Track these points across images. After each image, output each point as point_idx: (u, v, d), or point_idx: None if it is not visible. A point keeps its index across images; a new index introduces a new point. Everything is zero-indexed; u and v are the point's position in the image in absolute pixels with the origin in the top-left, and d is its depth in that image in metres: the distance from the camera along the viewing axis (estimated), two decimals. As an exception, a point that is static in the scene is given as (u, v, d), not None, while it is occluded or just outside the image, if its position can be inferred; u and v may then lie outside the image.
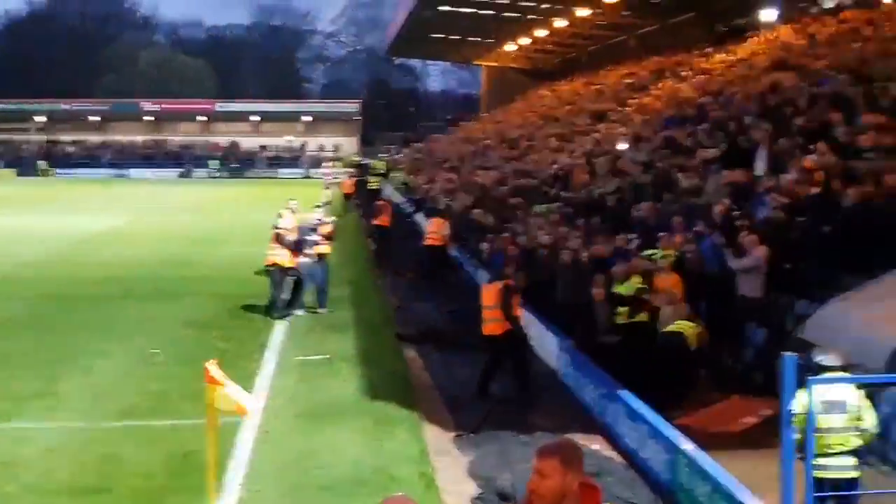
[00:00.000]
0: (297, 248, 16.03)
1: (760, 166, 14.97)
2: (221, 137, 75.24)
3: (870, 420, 6.48)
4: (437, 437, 9.74)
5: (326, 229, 17.24)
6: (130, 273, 20.82)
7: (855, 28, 22.33)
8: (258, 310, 16.07)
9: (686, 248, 12.85)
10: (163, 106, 76.88)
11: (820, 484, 6.31)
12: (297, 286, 16.19)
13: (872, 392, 6.92)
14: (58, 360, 12.69)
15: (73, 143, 74.84)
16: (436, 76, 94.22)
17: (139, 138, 75.59)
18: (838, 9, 26.19)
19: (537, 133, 36.16)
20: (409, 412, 10.50)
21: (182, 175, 67.85)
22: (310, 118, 76.86)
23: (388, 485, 8.03)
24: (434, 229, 20.93)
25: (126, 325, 15.11)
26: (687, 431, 8.22)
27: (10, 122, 73.76)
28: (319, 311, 16.32)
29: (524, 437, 9.42)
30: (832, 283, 11.24)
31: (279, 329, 15.01)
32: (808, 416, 5.94)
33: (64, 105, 75.62)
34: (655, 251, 12.99)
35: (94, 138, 75.44)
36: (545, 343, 12.69)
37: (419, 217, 30.66)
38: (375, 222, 24.64)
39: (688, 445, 7.71)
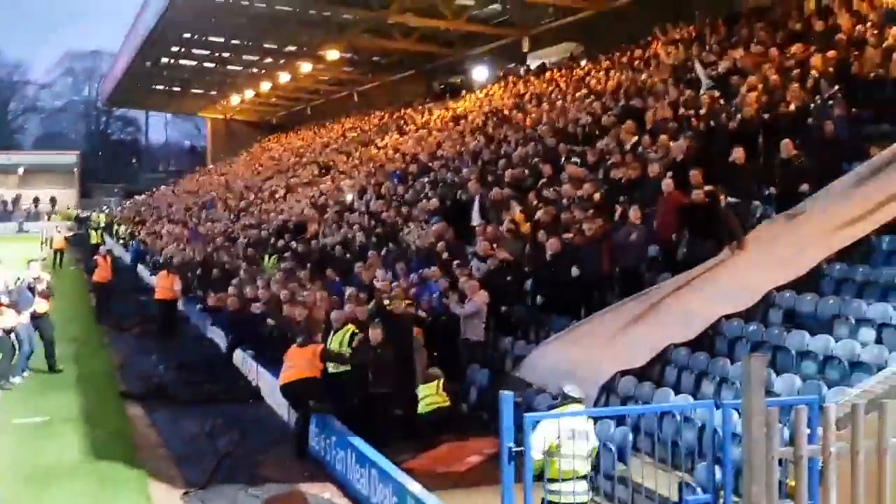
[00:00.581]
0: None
1: (475, 217, 15.96)
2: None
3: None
4: (165, 495, 9.56)
5: (42, 286, 16.36)
6: None
7: (558, 85, 24.54)
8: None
9: (414, 294, 13.32)
10: None
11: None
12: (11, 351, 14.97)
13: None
14: None
15: None
16: (159, 127, 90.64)
17: None
18: (543, 69, 28.55)
19: (264, 184, 36.05)
20: (135, 471, 10.30)
21: None
22: (21, 170, 71.00)
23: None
24: (164, 284, 20.40)
25: None
26: (413, 474, 8.48)
27: None
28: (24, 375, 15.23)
29: (254, 490, 9.37)
30: (545, 324, 12.20)
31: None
32: (525, 447, 6.23)
33: None
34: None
35: None
36: (277, 395, 12.56)
37: (142, 269, 29.95)
38: (95, 278, 23.48)
39: (415, 487, 7.97)
